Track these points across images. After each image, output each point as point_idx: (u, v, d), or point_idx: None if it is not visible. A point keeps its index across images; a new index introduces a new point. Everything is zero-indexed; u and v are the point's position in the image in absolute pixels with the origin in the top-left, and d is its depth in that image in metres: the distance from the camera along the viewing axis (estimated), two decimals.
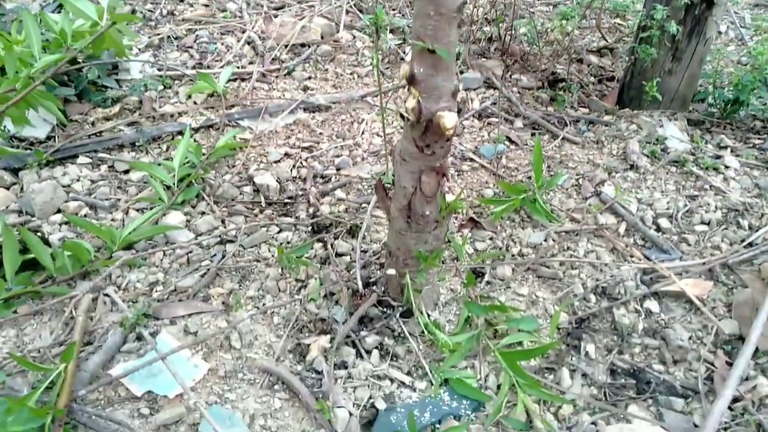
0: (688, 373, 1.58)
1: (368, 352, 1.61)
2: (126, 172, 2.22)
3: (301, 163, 2.41)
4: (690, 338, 1.65)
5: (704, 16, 2.51)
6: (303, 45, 3.31)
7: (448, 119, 1.35)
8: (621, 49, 3.41)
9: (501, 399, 1.44)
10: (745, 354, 1.51)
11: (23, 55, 2.13)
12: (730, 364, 1.56)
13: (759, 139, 2.57)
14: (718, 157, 2.41)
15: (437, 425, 1.44)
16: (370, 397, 1.48)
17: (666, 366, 1.60)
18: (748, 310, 1.68)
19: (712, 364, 1.58)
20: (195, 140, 2.43)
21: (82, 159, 2.22)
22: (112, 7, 1.92)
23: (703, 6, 2.49)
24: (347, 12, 3.65)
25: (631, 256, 1.94)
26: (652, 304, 1.76)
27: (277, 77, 3.02)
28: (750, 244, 1.95)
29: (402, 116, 1.43)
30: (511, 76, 3.09)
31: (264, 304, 1.73)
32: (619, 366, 1.60)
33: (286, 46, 3.22)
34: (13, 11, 2.79)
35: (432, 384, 1.54)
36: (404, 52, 3.24)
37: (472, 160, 2.46)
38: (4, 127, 2.23)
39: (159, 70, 2.86)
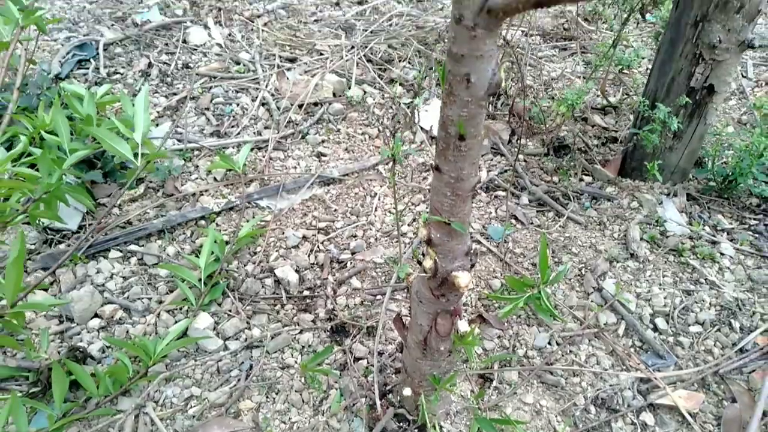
0: None
1: None
2: (155, 265, 2.36)
3: (318, 246, 2.54)
4: None
5: (705, 101, 2.62)
6: (315, 104, 3.41)
7: (462, 278, 1.48)
8: (625, 106, 3.51)
9: None
10: None
11: (52, 146, 2.22)
12: None
13: (754, 219, 2.69)
14: (715, 243, 2.54)
15: None
16: None
17: None
18: (736, 429, 1.83)
19: None
20: (217, 224, 2.56)
21: (113, 253, 2.36)
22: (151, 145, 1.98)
23: (704, 92, 2.59)
24: (357, 64, 3.73)
25: (629, 358, 2.08)
26: (648, 417, 1.91)
27: (291, 143, 3.13)
28: (741, 350, 2.09)
29: (419, 262, 1.56)
30: (517, 140, 3.19)
31: (290, 419, 1.88)
32: None
33: (300, 106, 3.33)
34: (36, 83, 2.88)
35: None
36: (413, 107, 3.34)
37: (479, 242, 2.59)
38: (38, 221, 2.36)
39: (179, 141, 2.97)
